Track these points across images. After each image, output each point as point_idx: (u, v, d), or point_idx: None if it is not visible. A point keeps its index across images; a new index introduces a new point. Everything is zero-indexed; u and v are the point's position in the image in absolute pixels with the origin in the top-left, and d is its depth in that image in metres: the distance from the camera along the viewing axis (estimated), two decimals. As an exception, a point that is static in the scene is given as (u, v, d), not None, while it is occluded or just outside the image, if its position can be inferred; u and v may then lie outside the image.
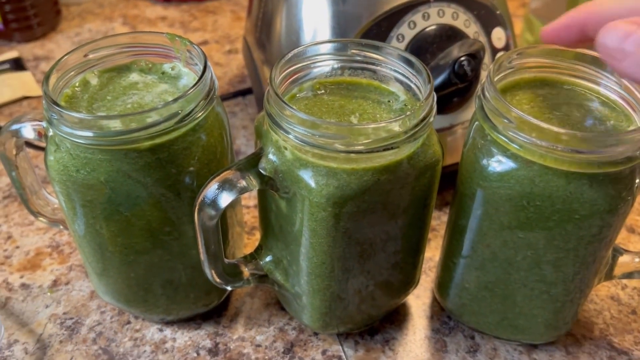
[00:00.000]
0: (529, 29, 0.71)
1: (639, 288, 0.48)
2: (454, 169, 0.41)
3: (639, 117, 0.35)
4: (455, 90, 0.48)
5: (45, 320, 0.45)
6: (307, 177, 0.34)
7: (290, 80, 0.38)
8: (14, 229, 0.52)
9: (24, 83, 0.69)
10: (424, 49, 0.48)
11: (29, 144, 0.57)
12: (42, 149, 0.53)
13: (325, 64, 0.39)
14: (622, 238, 0.52)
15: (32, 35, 0.78)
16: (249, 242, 0.51)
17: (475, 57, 0.47)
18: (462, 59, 0.47)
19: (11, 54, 0.75)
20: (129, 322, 0.45)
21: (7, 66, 0.72)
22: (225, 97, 0.68)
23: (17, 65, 0.72)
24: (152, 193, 0.36)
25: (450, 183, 0.41)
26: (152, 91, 0.38)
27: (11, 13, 0.75)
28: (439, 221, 0.53)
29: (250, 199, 0.56)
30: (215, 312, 0.45)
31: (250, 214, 0.54)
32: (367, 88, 0.39)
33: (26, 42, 0.78)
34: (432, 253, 0.50)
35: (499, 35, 0.52)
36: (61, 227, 0.44)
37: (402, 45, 0.48)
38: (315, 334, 0.44)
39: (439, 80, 0.47)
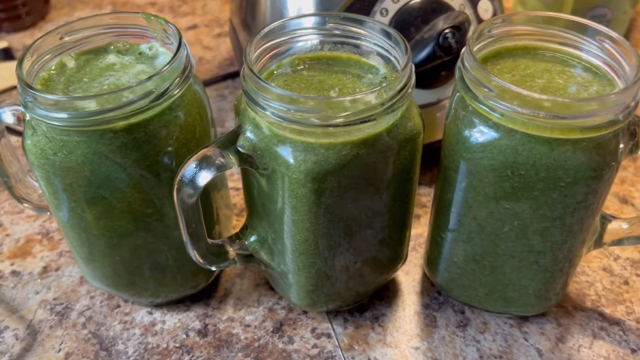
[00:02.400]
0: (520, 2, 0.70)
1: (631, 258, 0.47)
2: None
3: (622, 82, 0.34)
4: (441, 64, 0.48)
5: (36, 306, 0.45)
6: (285, 153, 0.33)
7: (269, 56, 0.38)
8: (4, 217, 0.52)
9: (13, 73, 0.69)
10: (409, 22, 0.47)
11: (14, 131, 0.56)
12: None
13: (304, 39, 0.39)
14: (615, 209, 0.51)
15: (21, 25, 0.78)
16: (239, 224, 0.51)
17: (460, 30, 0.46)
18: (447, 31, 0.46)
19: (0, 44, 0.74)
20: (118, 306, 0.45)
21: (-4, 56, 0.71)
22: (214, 80, 0.67)
23: (7, 55, 0.72)
24: (130, 174, 0.35)
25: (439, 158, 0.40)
26: (129, 72, 0.37)
27: (0, 3, 0.75)
28: (429, 197, 0.53)
29: (241, 181, 0.55)
30: (205, 293, 0.45)
31: (239, 196, 0.54)
32: (347, 62, 0.38)
33: (15, 32, 0.78)
34: (422, 229, 0.50)
35: (485, 7, 0.51)
36: (48, 213, 0.44)
37: (386, 20, 0.47)
38: (305, 312, 0.44)
39: (424, 53, 0.46)
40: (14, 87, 0.68)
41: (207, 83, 0.66)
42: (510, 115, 0.33)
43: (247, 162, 0.35)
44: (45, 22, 0.80)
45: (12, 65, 0.70)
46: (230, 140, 0.35)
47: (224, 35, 0.76)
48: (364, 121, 0.32)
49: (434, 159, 0.48)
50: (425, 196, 0.53)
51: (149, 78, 0.33)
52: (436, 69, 0.48)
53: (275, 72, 0.37)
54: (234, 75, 0.68)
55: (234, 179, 0.56)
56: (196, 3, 0.84)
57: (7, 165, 0.41)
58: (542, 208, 0.35)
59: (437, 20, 0.47)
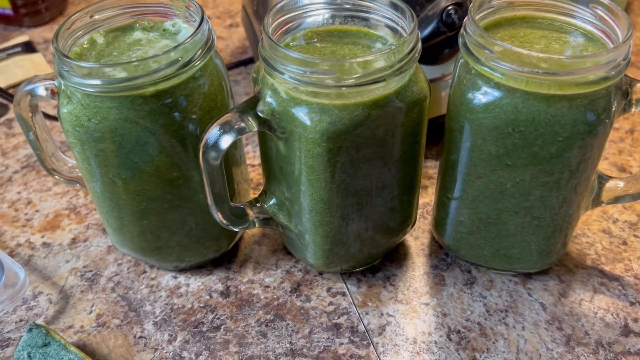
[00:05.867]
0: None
1: (629, 221, 0.49)
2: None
3: (614, 45, 0.37)
4: (445, 40, 0.50)
5: (67, 273, 0.48)
6: (302, 115, 0.36)
7: (283, 30, 0.40)
8: (33, 194, 0.55)
9: (36, 64, 0.72)
10: (413, 1, 0.50)
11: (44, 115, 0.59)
12: (56, 119, 0.56)
13: (316, 14, 0.41)
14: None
15: (40, 20, 0.81)
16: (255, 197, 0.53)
17: (462, 6, 0.49)
18: (450, 8, 0.48)
19: (22, 38, 0.78)
20: (144, 272, 0.47)
21: (18, 49, 0.75)
22: (228, 67, 0.70)
23: (28, 48, 0.75)
24: (158, 139, 0.38)
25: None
26: (155, 46, 0.40)
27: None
28: (435, 170, 0.55)
29: (256, 159, 0.58)
30: (226, 259, 0.48)
31: (255, 172, 0.56)
32: (357, 34, 0.41)
33: (35, 27, 0.81)
34: (429, 199, 0.52)
35: (486, -13, 0.54)
36: (77, 185, 0.47)
37: (392, -1, 0.50)
38: (320, 274, 0.46)
39: (428, 30, 0.49)
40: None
41: (221, 70, 0.69)
42: (510, 74, 0.35)
43: (266, 126, 0.38)
44: (64, 17, 0.83)
45: (33, 57, 0.74)
46: (250, 106, 0.38)
47: (235, 25, 0.79)
48: (374, 82, 0.35)
49: (439, 134, 0.50)
50: (432, 169, 0.55)
51: (174, 48, 0.36)
52: (440, 45, 0.51)
53: (290, 44, 0.40)
54: (246, 62, 0.71)
55: (249, 156, 0.58)
56: (207, -3, 0.87)
57: (40, 138, 0.44)
58: (541, 163, 0.38)
59: (440, -1, 0.49)
